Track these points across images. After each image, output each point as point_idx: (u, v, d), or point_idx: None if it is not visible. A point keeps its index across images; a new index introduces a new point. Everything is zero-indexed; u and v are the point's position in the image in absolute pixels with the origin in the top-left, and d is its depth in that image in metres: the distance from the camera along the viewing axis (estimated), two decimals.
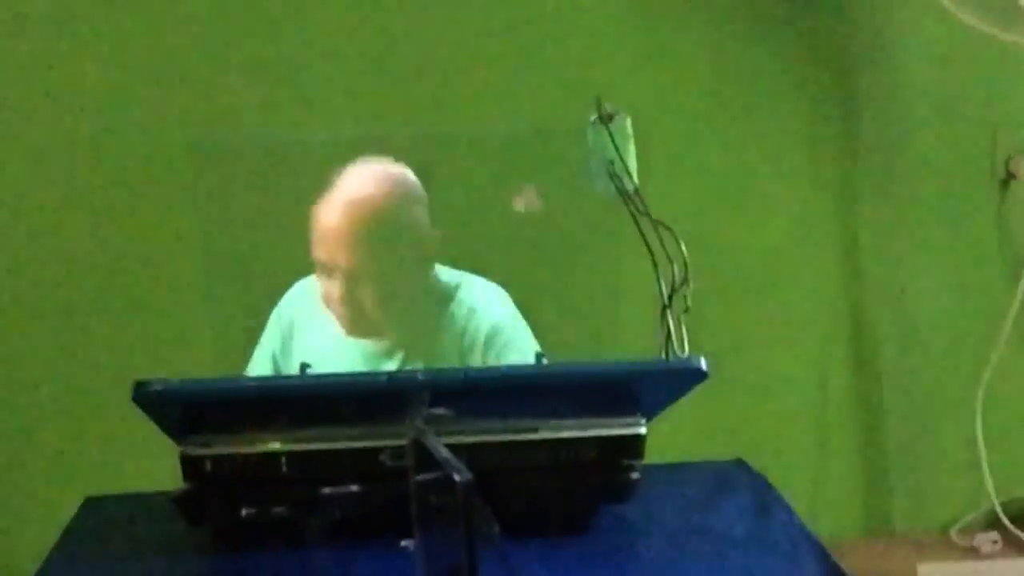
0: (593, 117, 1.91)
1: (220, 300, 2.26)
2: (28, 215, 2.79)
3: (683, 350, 1.74)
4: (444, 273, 2.23)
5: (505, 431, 1.71)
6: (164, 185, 2.73)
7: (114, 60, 2.77)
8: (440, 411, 1.60)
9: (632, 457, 1.75)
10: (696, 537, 1.81)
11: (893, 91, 2.94)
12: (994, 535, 2.91)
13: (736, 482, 2.01)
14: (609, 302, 2.32)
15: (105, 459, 2.75)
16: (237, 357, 2.26)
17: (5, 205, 2.78)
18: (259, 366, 2.25)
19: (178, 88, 2.76)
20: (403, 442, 1.54)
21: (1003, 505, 2.92)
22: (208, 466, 1.68)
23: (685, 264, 1.76)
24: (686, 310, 1.76)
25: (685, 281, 1.77)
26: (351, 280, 2.12)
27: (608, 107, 1.91)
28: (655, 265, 1.78)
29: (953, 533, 2.96)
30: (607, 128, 1.90)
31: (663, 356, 1.74)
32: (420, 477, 1.48)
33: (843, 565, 1.71)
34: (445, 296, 2.21)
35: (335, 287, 2.13)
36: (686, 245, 1.76)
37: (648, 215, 1.84)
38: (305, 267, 2.18)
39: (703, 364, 1.65)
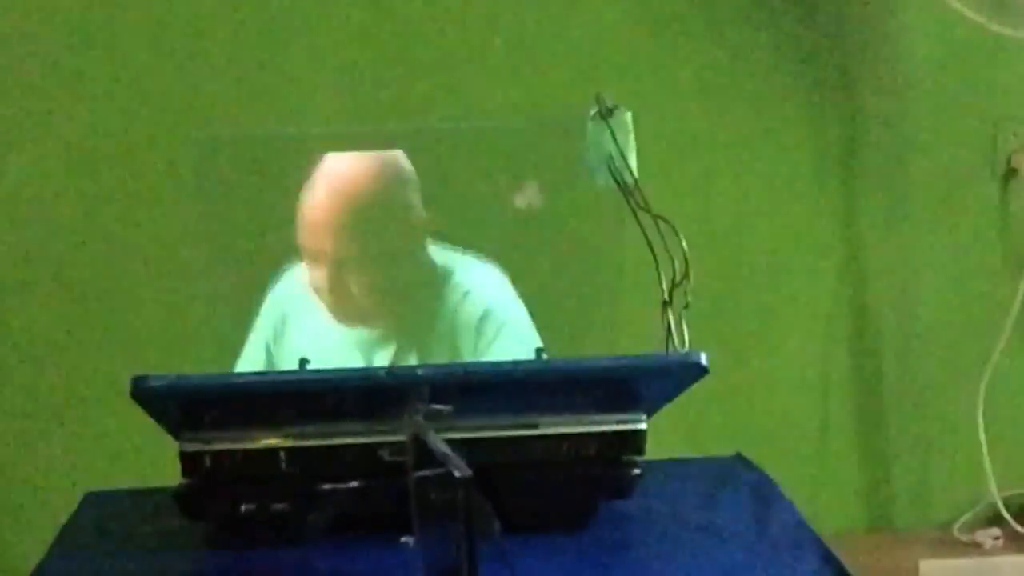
0: (593, 111, 1.91)
1: (220, 296, 2.25)
2: (25, 210, 2.79)
3: (683, 345, 1.74)
4: (439, 255, 2.19)
5: (505, 427, 1.71)
6: (163, 180, 2.73)
7: (113, 54, 2.76)
8: (440, 407, 1.60)
9: (633, 453, 1.75)
10: (697, 533, 1.80)
11: (895, 86, 2.93)
12: (996, 531, 2.91)
13: (737, 478, 2.01)
14: (609, 297, 2.31)
15: (105, 455, 2.75)
16: (237, 353, 2.25)
17: (2, 200, 2.78)
18: (252, 356, 2.22)
19: (178, 82, 2.75)
20: (403, 438, 1.54)
21: (1005, 501, 2.92)
22: (207, 462, 1.67)
23: (686, 259, 1.76)
24: (686, 305, 1.76)
25: (686, 276, 1.76)
26: (337, 267, 2.09)
27: (608, 101, 1.91)
28: (655, 260, 1.77)
29: (955, 529, 2.96)
30: (607, 122, 1.90)
31: (663, 351, 1.74)
32: (419, 473, 1.48)
33: (844, 560, 1.71)
34: (438, 279, 2.17)
35: (322, 274, 2.11)
36: (686, 240, 1.76)
37: (648, 210, 1.84)
38: None
39: (703, 359, 1.65)
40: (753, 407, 2.93)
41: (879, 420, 3.01)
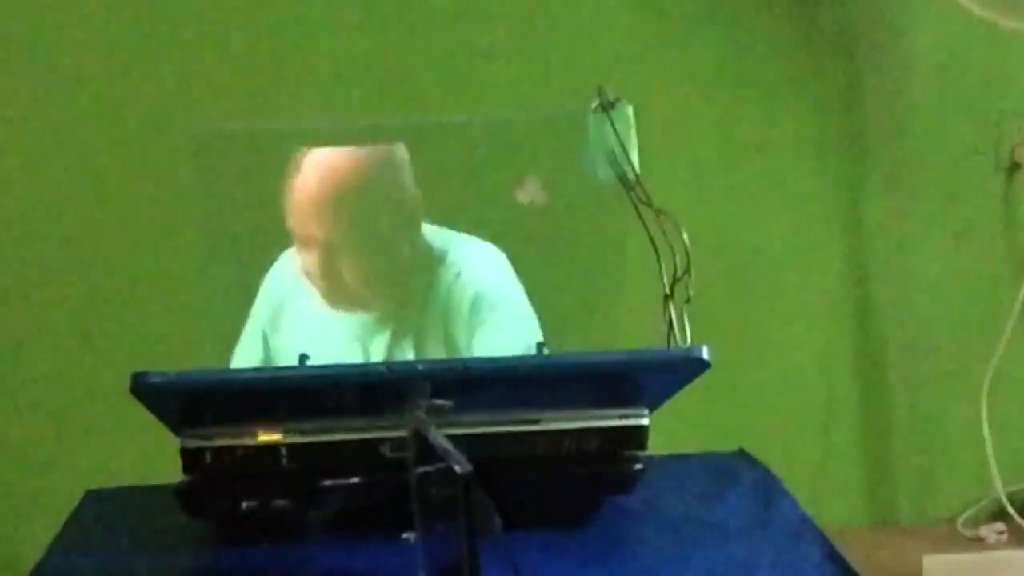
0: (594, 104, 1.90)
1: (220, 292, 2.24)
2: (25, 207, 2.79)
3: (685, 339, 1.73)
4: (434, 235, 2.16)
5: (506, 422, 1.70)
6: (163, 176, 2.73)
7: (112, 50, 2.76)
8: (441, 402, 1.59)
9: (635, 448, 1.74)
10: (699, 528, 1.80)
11: (898, 80, 2.93)
12: (1000, 526, 2.91)
13: (739, 473, 2.01)
14: (610, 291, 2.30)
15: (106, 452, 2.74)
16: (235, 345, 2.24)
17: (1, 197, 2.78)
18: (249, 344, 2.20)
19: (177, 78, 2.75)
20: (404, 433, 1.54)
21: (1009, 496, 2.91)
22: (208, 458, 1.67)
23: (687, 253, 1.75)
24: (688, 300, 1.76)
25: (687, 270, 1.76)
26: (328, 251, 2.06)
27: (610, 94, 1.90)
28: (657, 254, 1.77)
29: (959, 524, 2.95)
30: (609, 116, 1.89)
31: (665, 346, 1.73)
32: (421, 469, 1.47)
33: (847, 556, 1.71)
34: (433, 261, 2.13)
35: (312, 260, 2.08)
36: (688, 234, 1.75)
37: (650, 204, 1.84)
38: None
39: (705, 353, 1.64)
40: (756, 402, 2.92)
41: (882, 415, 3.00)
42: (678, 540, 1.77)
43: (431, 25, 2.79)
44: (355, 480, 1.68)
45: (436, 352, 2.10)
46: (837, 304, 2.97)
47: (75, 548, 1.81)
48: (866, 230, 2.95)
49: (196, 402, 1.65)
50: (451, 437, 1.46)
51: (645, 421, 1.73)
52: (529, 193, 2.21)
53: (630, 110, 1.90)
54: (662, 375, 1.72)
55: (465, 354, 2.08)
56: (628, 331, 2.29)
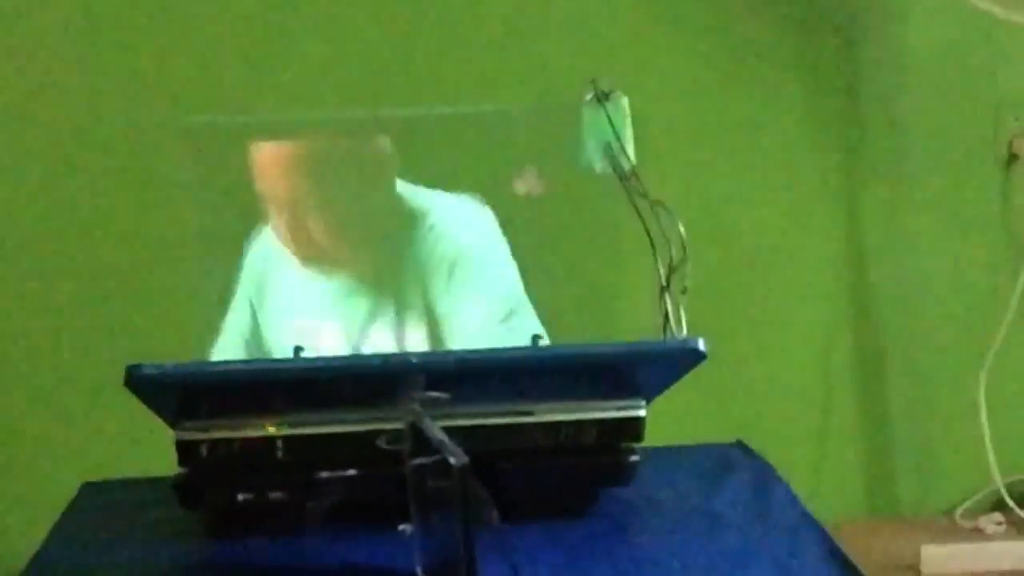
0: (589, 96, 1.90)
1: (214, 284, 2.23)
2: (18, 201, 2.78)
3: (681, 331, 1.73)
4: (414, 195, 2.12)
5: (503, 414, 1.70)
6: (157, 170, 2.72)
7: (107, 45, 2.75)
8: (437, 394, 1.59)
9: (631, 440, 1.74)
10: (696, 520, 1.80)
11: (895, 71, 2.92)
12: (998, 517, 2.90)
13: (737, 464, 2.01)
14: (607, 283, 2.30)
15: (103, 444, 2.74)
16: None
17: None
18: (236, 317, 2.16)
19: (166, 70, 2.74)
20: (400, 426, 1.54)
21: (1008, 487, 2.91)
22: (204, 451, 1.67)
23: (683, 244, 1.75)
24: (684, 291, 1.75)
25: (683, 262, 1.76)
26: (294, 209, 2.02)
27: (605, 86, 1.90)
28: (653, 246, 1.77)
29: (957, 515, 2.95)
30: (604, 107, 1.89)
31: (661, 337, 1.73)
32: (417, 461, 1.47)
33: (846, 547, 1.71)
34: (410, 221, 2.09)
35: (281, 220, 2.04)
36: (684, 226, 1.75)
37: (646, 195, 1.83)
38: None
39: (701, 344, 1.64)
40: (753, 394, 2.92)
41: (881, 406, 3.00)
42: (675, 532, 1.77)
43: (428, 18, 2.78)
44: (351, 472, 1.68)
45: (416, 318, 2.06)
46: (835, 295, 2.97)
47: (72, 540, 1.81)
48: (864, 221, 2.95)
49: (191, 394, 1.65)
50: (447, 429, 1.46)
51: (642, 412, 1.72)
52: (527, 184, 2.20)
53: (625, 101, 1.90)
54: (658, 366, 1.72)
55: (443, 319, 2.06)
56: (625, 323, 2.30)
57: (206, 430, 1.66)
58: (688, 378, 1.72)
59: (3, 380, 2.80)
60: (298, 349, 1.78)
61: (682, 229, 1.75)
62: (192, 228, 2.28)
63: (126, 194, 2.77)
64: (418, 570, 1.52)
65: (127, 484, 1.99)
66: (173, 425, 1.67)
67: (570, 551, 1.69)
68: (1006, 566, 2.71)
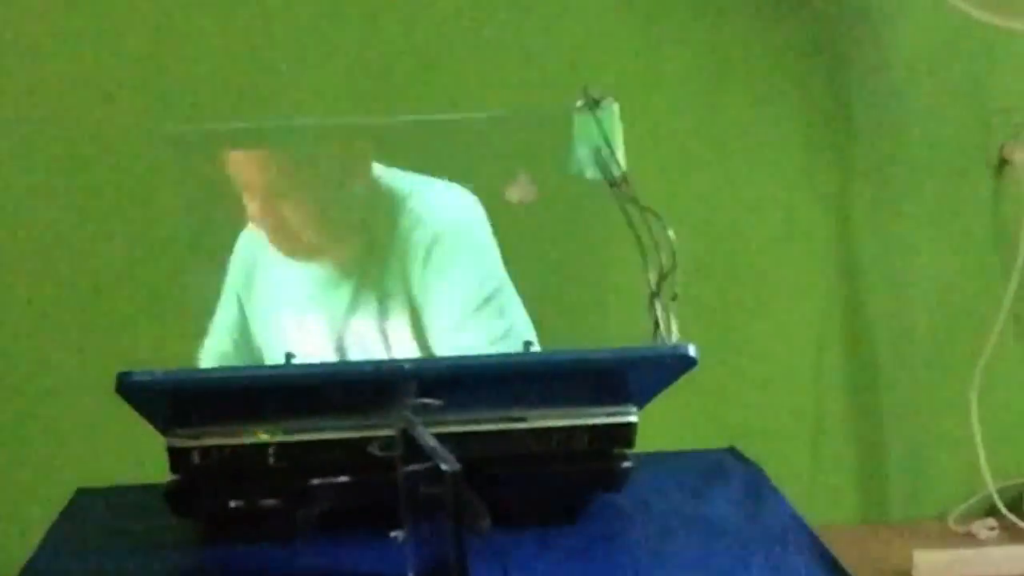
0: (579, 103, 1.90)
1: (206, 291, 2.23)
2: (11, 207, 2.78)
3: (672, 337, 1.73)
4: (396, 179, 2.08)
5: (495, 420, 1.70)
6: (148, 176, 2.72)
7: (98, 50, 2.75)
8: (429, 401, 1.59)
9: (624, 446, 1.74)
10: (689, 526, 1.80)
11: (886, 77, 2.93)
12: (991, 522, 2.91)
13: (729, 470, 2.00)
14: (597, 289, 2.30)
15: (96, 451, 2.74)
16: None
17: None
18: (224, 314, 2.13)
19: (158, 76, 2.74)
20: (392, 432, 1.54)
21: (1000, 492, 2.92)
22: (195, 458, 1.67)
23: (673, 251, 1.75)
24: (675, 297, 1.76)
25: (673, 268, 1.76)
26: (267, 196, 1.99)
27: (595, 93, 1.90)
28: (643, 252, 1.77)
29: (950, 521, 2.96)
30: (594, 114, 1.89)
31: (652, 343, 1.73)
32: (409, 467, 1.47)
33: (838, 553, 1.71)
34: (390, 206, 2.05)
35: (255, 207, 2.01)
36: (675, 232, 1.75)
37: (636, 202, 1.83)
38: None
39: (692, 350, 1.64)
40: (746, 400, 2.93)
41: (873, 412, 3.00)
42: (667, 538, 1.77)
43: (418, 25, 2.78)
44: (343, 479, 1.68)
45: (398, 305, 2.05)
46: (826, 301, 2.98)
47: (66, 547, 1.80)
48: (855, 227, 2.96)
49: (182, 401, 1.65)
50: (439, 435, 1.46)
51: (634, 419, 1.73)
52: (521, 191, 2.20)
53: (616, 108, 1.90)
54: (649, 372, 1.72)
55: (422, 305, 2.05)
56: (615, 329, 2.29)
57: (197, 437, 1.66)
58: (680, 384, 1.72)
59: None
60: (289, 356, 1.77)
61: (672, 235, 1.75)
62: (183, 235, 2.28)
63: (121, 202, 2.78)
64: None
65: (122, 491, 1.99)
66: (164, 432, 1.67)
67: (562, 557, 1.69)
68: (999, 571, 2.72)
